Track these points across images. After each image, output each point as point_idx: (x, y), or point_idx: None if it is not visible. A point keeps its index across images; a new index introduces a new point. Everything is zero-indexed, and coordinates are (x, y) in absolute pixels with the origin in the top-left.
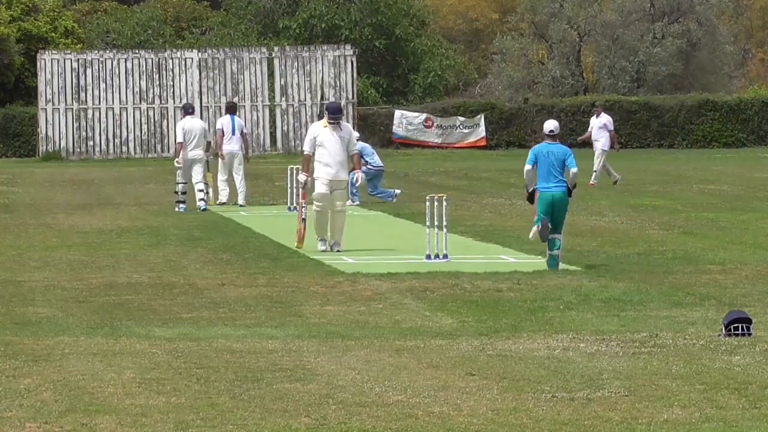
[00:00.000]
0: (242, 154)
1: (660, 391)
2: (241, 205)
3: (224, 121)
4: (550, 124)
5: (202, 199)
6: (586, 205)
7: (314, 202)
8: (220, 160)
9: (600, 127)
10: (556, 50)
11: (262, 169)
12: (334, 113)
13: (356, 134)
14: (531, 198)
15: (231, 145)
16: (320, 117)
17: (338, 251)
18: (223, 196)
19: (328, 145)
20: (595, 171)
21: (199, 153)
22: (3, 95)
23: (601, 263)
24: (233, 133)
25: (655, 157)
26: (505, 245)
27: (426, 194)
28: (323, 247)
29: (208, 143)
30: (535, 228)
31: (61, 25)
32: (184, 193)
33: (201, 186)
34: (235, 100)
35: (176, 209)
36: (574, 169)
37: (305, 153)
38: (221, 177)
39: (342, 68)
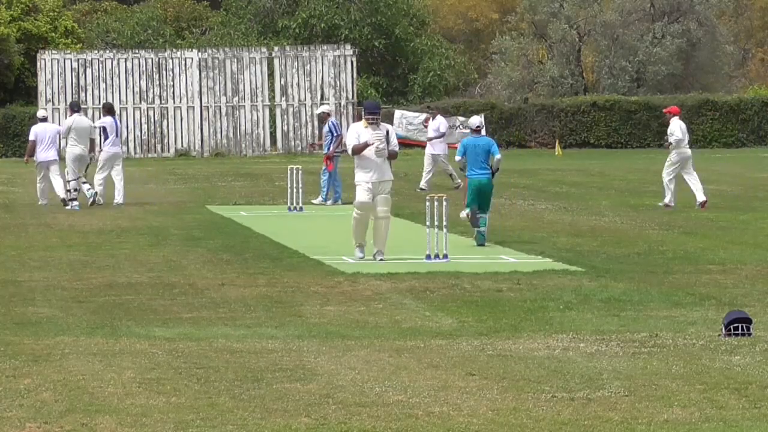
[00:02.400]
0: (122, 155)
1: (660, 391)
2: (119, 204)
3: (107, 122)
4: (476, 121)
5: (73, 199)
6: (586, 205)
7: (354, 210)
8: (100, 159)
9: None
10: (555, 50)
11: (262, 169)
12: (372, 111)
13: (391, 127)
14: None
15: (114, 147)
16: (359, 118)
17: (381, 260)
18: (92, 195)
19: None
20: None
21: (80, 150)
22: (3, 95)
23: (601, 263)
24: (116, 135)
25: (655, 157)
26: (505, 245)
27: (426, 194)
28: (361, 255)
29: (92, 141)
30: (465, 212)
31: (61, 25)
32: (76, 190)
33: (75, 185)
34: (235, 100)
35: (68, 207)
36: (497, 156)
37: (354, 147)
38: (98, 176)
39: (342, 68)
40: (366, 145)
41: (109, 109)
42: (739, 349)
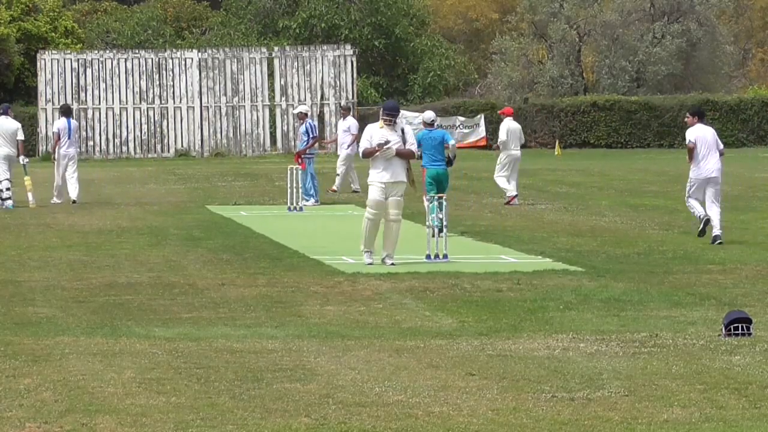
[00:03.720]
0: (77, 156)
1: (660, 391)
2: (74, 201)
3: (61, 125)
4: (430, 115)
5: (9, 198)
6: (586, 205)
7: (367, 209)
8: (59, 160)
9: None
10: (555, 50)
11: (262, 169)
12: (390, 111)
13: (407, 126)
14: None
15: (68, 148)
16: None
17: (392, 264)
18: (57, 196)
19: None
20: None
21: (8, 151)
22: (3, 95)
23: (601, 263)
24: (69, 137)
25: (655, 157)
26: (505, 245)
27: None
28: (370, 261)
29: (20, 142)
30: (426, 201)
31: (61, 25)
32: (8, 189)
33: (7, 184)
34: (235, 100)
35: (1, 206)
36: (452, 142)
37: (365, 151)
38: (56, 175)
39: (342, 68)
40: (375, 151)
41: (64, 111)
42: (739, 349)
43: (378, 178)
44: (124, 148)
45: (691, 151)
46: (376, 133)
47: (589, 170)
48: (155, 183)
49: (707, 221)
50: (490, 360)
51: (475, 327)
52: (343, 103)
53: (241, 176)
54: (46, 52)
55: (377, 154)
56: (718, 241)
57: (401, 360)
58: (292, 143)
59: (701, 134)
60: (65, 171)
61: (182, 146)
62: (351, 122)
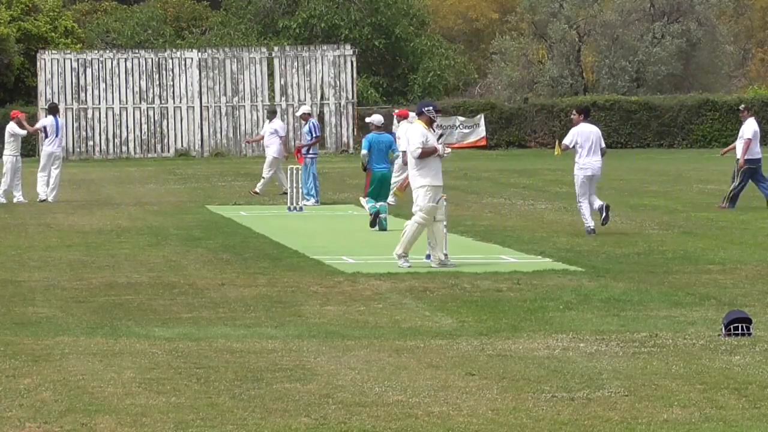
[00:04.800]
0: (62, 154)
1: (660, 391)
2: (43, 200)
3: (48, 123)
4: (379, 119)
5: None
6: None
7: (420, 215)
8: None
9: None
10: (555, 50)
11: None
12: (438, 111)
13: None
14: (365, 169)
15: (52, 146)
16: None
17: (453, 265)
18: (41, 192)
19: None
20: None
21: None
22: (3, 95)
23: (601, 263)
24: (56, 135)
25: (655, 157)
26: (505, 245)
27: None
28: (409, 264)
29: None
30: (367, 206)
31: (61, 25)
32: None
33: None
34: (235, 100)
35: None
36: (397, 153)
37: (419, 153)
38: (40, 173)
39: (342, 68)
40: (435, 150)
41: (51, 109)
42: (739, 349)
43: (431, 182)
44: (124, 148)
45: (566, 148)
46: (429, 134)
47: None
48: (155, 183)
49: (593, 231)
50: (490, 360)
51: (475, 327)
52: (268, 105)
53: (241, 176)
54: (46, 52)
55: (437, 154)
56: (605, 222)
57: (401, 360)
58: (293, 143)
59: (585, 132)
60: (48, 169)
61: (182, 146)
62: (278, 125)
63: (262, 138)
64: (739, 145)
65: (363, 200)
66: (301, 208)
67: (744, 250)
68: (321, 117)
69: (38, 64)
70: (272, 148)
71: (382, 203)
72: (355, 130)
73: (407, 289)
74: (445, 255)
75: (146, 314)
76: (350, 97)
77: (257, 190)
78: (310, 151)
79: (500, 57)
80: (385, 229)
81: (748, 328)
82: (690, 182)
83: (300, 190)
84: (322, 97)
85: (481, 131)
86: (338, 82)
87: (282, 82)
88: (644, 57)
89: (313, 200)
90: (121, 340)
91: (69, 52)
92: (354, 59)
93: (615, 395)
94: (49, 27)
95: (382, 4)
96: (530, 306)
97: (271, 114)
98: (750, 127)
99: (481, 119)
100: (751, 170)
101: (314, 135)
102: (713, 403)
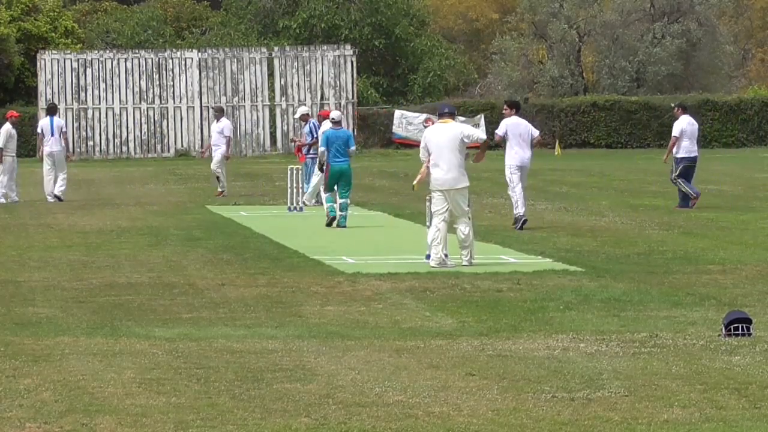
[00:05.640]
0: (64, 153)
1: (660, 391)
2: (54, 196)
3: (44, 123)
4: (337, 114)
5: None
6: (586, 205)
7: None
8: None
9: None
10: (555, 50)
11: (262, 169)
12: (442, 115)
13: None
14: (322, 168)
15: (49, 147)
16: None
17: (453, 266)
18: (49, 193)
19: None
20: None
21: None
22: (3, 95)
23: (601, 263)
24: (52, 134)
25: (655, 157)
26: (505, 245)
27: (426, 194)
28: (452, 263)
29: None
30: (326, 206)
31: (61, 25)
32: None
33: None
34: (235, 100)
35: None
36: (353, 148)
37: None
38: (47, 175)
39: (342, 68)
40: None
41: (48, 110)
42: (739, 349)
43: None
44: (124, 148)
45: (500, 139)
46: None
47: (589, 170)
48: (155, 183)
49: (524, 220)
50: (490, 360)
51: (475, 327)
52: (214, 105)
53: (241, 176)
54: (46, 52)
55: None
56: (523, 220)
57: (401, 360)
58: (292, 143)
59: (515, 124)
60: (53, 170)
61: (182, 146)
62: (225, 124)
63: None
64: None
65: (323, 194)
66: (301, 208)
67: (744, 250)
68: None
69: (38, 64)
70: (221, 147)
71: (343, 200)
72: (355, 130)
73: (407, 289)
74: (446, 255)
75: (146, 314)
76: (350, 97)
77: (221, 190)
78: (311, 151)
79: (500, 57)
80: (344, 227)
81: (748, 329)
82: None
83: (300, 190)
84: (322, 97)
85: (481, 131)
86: (338, 82)
87: (282, 82)
88: (644, 57)
89: (314, 200)
90: (121, 340)
91: (69, 52)
92: (354, 59)
93: (615, 395)
94: (49, 27)
95: (382, 4)
96: (530, 306)
97: (218, 113)
98: (678, 125)
99: (481, 119)
100: (686, 167)
101: (315, 135)
102: (713, 403)
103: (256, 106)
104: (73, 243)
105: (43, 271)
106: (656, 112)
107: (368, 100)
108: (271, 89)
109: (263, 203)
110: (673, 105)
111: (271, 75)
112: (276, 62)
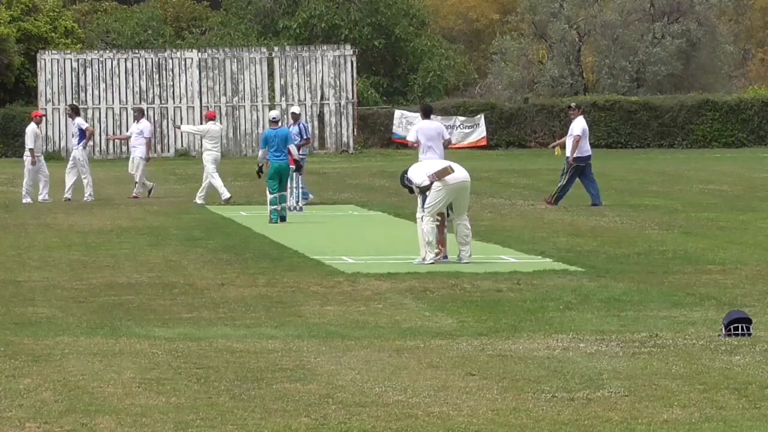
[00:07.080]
0: (82, 156)
1: (660, 391)
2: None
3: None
4: (275, 113)
5: None
6: (586, 205)
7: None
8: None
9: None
10: (555, 50)
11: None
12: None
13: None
14: (260, 172)
15: (73, 149)
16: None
17: (448, 261)
18: (68, 193)
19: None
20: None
21: None
22: (3, 95)
23: (601, 263)
24: (74, 137)
25: (655, 157)
26: (505, 245)
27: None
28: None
29: None
30: (270, 207)
31: (61, 25)
32: None
33: None
34: (235, 100)
35: None
36: (291, 146)
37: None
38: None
39: (342, 68)
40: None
41: (72, 111)
42: (739, 349)
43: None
44: (124, 148)
45: (413, 144)
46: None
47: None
48: (155, 183)
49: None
50: (490, 360)
51: (475, 327)
52: (135, 105)
53: (241, 176)
54: (46, 52)
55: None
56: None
57: (401, 360)
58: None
59: (426, 129)
60: (76, 171)
61: (182, 146)
62: (144, 125)
63: (127, 138)
64: (569, 142)
65: (269, 193)
66: (301, 208)
67: (744, 250)
68: (321, 117)
69: (38, 64)
70: (139, 149)
71: (283, 193)
72: (355, 130)
73: (407, 289)
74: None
75: (146, 314)
76: (350, 97)
77: (135, 194)
78: (300, 152)
79: (500, 57)
80: (284, 220)
81: (748, 328)
82: (690, 182)
83: (300, 191)
84: (322, 97)
85: (482, 131)
86: (338, 82)
87: (282, 82)
88: (644, 57)
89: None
90: (121, 340)
91: (69, 52)
92: (354, 59)
93: (615, 395)
94: (49, 27)
95: (382, 4)
96: (530, 306)
97: (138, 114)
98: (579, 124)
99: (481, 119)
100: (580, 168)
101: (304, 136)
102: (713, 403)
103: (256, 106)
104: (73, 243)
105: (42, 271)
106: (656, 112)
107: (368, 100)
108: (271, 89)
109: (263, 203)
110: (570, 105)
111: (271, 75)
112: (276, 62)
